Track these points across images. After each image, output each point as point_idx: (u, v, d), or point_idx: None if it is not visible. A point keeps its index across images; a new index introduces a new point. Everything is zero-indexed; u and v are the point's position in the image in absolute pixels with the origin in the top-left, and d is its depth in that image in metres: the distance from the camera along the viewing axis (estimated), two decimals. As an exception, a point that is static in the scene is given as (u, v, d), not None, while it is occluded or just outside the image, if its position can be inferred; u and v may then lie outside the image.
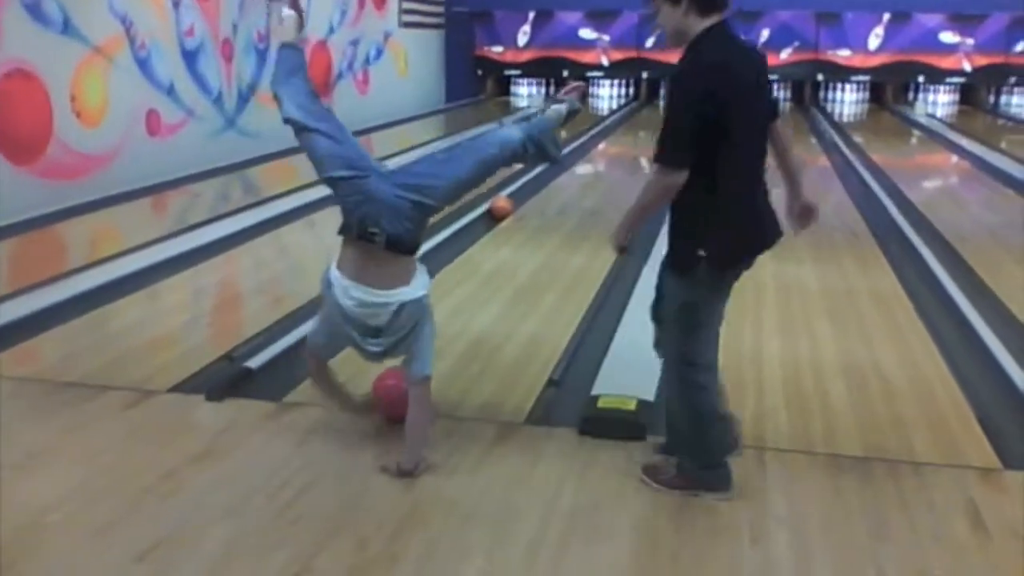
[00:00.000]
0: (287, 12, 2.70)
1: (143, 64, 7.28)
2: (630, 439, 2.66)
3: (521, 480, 2.45)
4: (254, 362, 3.24)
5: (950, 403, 2.97)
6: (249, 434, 2.72)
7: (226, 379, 3.10)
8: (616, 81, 13.92)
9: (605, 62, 13.69)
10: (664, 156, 2.22)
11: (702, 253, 2.28)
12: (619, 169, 8.57)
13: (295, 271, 4.83)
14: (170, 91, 7.61)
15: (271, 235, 5.37)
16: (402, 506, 2.32)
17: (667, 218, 2.36)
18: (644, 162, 8.90)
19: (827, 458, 2.58)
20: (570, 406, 2.92)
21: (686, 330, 2.39)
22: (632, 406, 2.82)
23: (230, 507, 2.32)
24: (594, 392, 2.96)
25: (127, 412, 2.90)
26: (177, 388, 3.08)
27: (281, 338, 3.50)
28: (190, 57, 7.86)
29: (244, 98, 8.75)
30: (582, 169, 8.19)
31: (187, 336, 3.75)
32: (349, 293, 2.37)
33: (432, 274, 4.43)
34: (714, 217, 2.27)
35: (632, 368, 3.21)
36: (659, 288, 2.52)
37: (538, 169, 7.63)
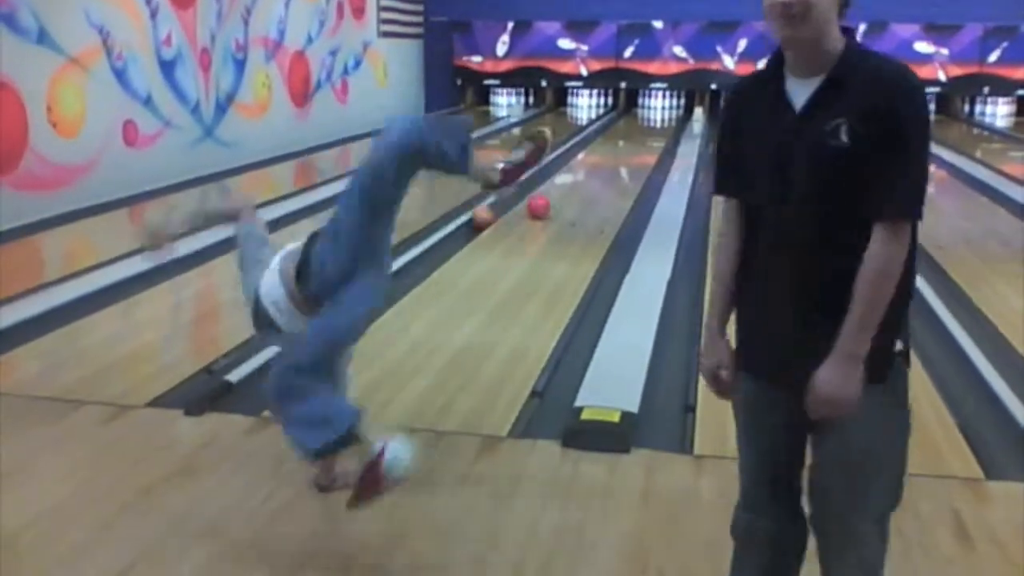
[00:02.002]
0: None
1: (120, 74, 7.23)
2: (614, 451, 2.65)
3: (505, 496, 2.43)
4: (234, 376, 3.21)
5: (933, 413, 2.98)
6: (229, 449, 2.69)
7: (205, 393, 3.06)
8: (594, 91, 13.96)
9: (584, 72, 13.72)
10: (917, 210, 1.53)
11: (900, 347, 1.58)
12: (598, 179, 8.59)
13: (274, 283, 4.79)
14: (147, 101, 7.55)
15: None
16: (385, 523, 2.30)
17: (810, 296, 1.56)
18: (623, 172, 8.93)
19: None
20: (553, 418, 2.90)
21: (894, 478, 1.62)
22: (616, 418, 2.81)
23: (209, 525, 2.29)
24: (577, 404, 2.94)
25: (104, 427, 2.86)
26: (155, 403, 3.04)
27: (261, 351, 3.46)
28: (167, 67, 7.81)
29: (222, 108, 8.70)
30: (561, 179, 8.19)
31: (166, 349, 3.71)
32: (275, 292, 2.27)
33: (413, 285, 4.47)
34: (908, 294, 1.58)
35: (615, 379, 3.21)
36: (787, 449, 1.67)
37: (519, 179, 7.64)
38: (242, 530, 2.26)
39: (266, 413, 2.93)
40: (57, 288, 4.33)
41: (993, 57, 13.05)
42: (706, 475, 2.54)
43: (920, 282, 4.49)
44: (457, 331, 3.80)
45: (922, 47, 13.10)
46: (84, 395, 3.07)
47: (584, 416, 2.82)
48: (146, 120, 7.55)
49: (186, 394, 3.08)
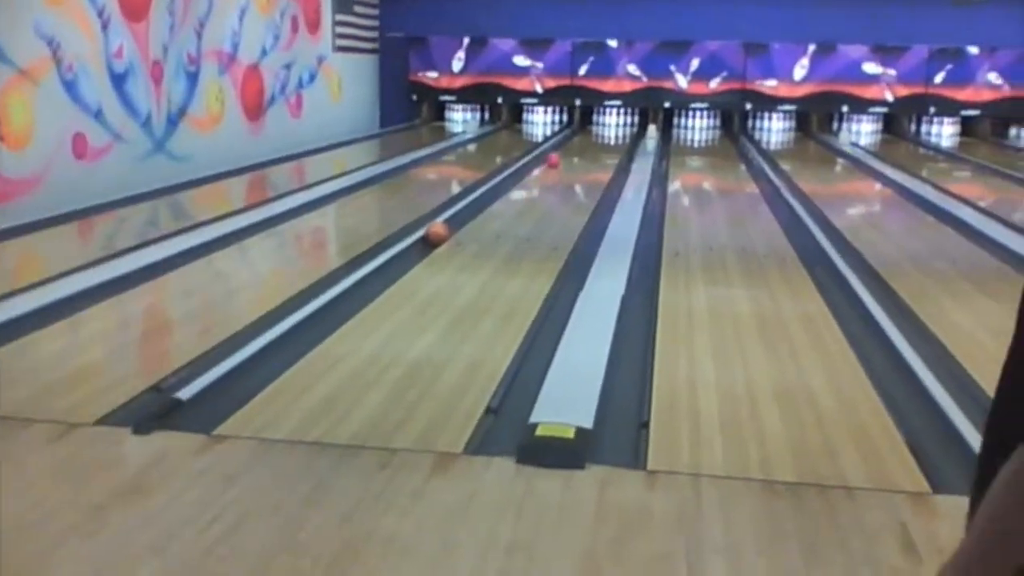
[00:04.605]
0: None
1: (70, 87, 7.12)
2: (569, 467, 2.65)
3: (459, 513, 2.42)
4: (184, 393, 3.16)
5: (879, 428, 3.03)
6: (178, 468, 2.65)
7: (154, 411, 3.02)
8: (550, 108, 14.04)
9: (539, 89, 13.80)
10: None
11: None
12: (552, 195, 8.63)
13: (226, 298, 4.75)
14: (97, 114, 7.45)
15: (201, 261, 5.27)
16: (337, 541, 2.28)
17: None
18: (578, 188, 8.99)
19: (762, 484, 2.61)
20: (509, 434, 2.90)
21: None
22: (570, 434, 2.82)
23: (158, 544, 2.25)
24: (532, 420, 2.95)
25: (52, 446, 2.81)
26: (104, 420, 2.98)
27: (212, 367, 3.43)
28: (118, 80, 7.72)
29: (173, 122, 8.62)
30: (517, 195, 8.22)
31: (115, 366, 3.64)
32: None
33: (368, 301, 4.45)
34: None
35: (570, 395, 3.23)
36: None
37: (474, 195, 7.66)
38: (192, 548, 2.23)
39: (217, 431, 2.90)
40: (3, 304, 4.24)
41: (939, 78, 13.37)
42: (659, 490, 2.56)
43: (867, 299, 4.58)
44: (412, 346, 3.79)
45: (870, 68, 13.38)
46: (32, 413, 3.01)
47: (539, 432, 2.83)
48: (96, 133, 7.45)
49: (135, 412, 3.03)
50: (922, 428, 3.07)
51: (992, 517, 1.07)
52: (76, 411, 3.05)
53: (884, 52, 13.34)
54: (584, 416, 2.98)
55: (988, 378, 3.48)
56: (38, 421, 2.94)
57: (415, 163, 9.95)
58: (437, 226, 5.98)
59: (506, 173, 9.13)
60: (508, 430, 2.94)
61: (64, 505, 2.43)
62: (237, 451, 2.75)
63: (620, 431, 2.99)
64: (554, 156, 10.50)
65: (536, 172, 9.62)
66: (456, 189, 8.48)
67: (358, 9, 13.22)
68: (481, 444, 2.85)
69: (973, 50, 13.24)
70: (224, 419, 2.98)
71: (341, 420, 3.00)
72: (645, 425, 2.99)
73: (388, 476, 2.60)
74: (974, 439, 2.88)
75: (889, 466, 2.75)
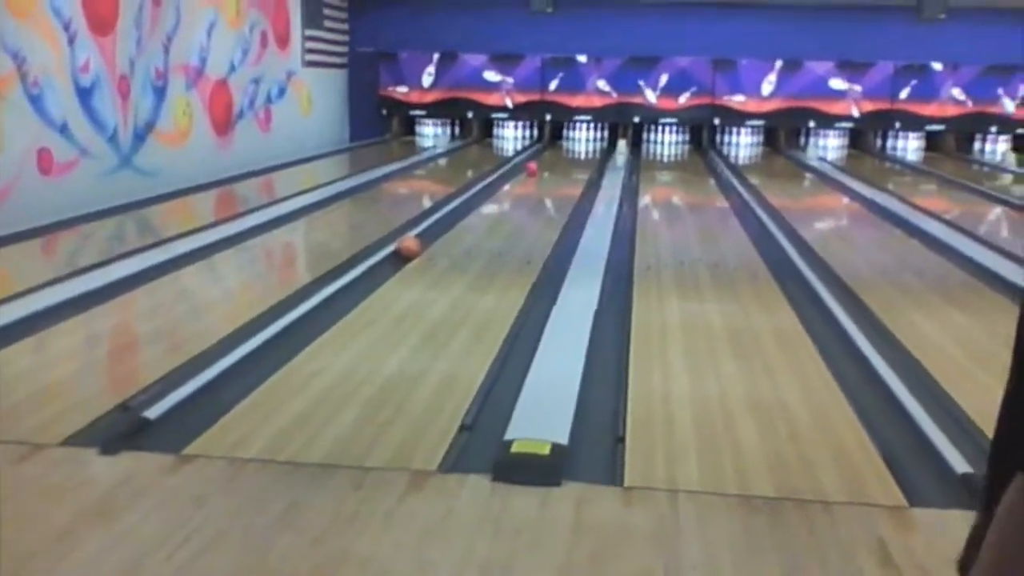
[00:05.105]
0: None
1: (35, 101, 7.03)
2: (545, 484, 2.63)
3: (434, 532, 2.38)
4: (152, 412, 3.10)
5: (854, 441, 3.03)
6: (146, 489, 2.59)
7: (121, 430, 2.95)
8: (520, 123, 14.07)
9: (509, 104, 13.82)
10: None
11: None
12: (523, 209, 8.62)
13: (195, 314, 4.68)
14: (63, 129, 7.36)
15: (169, 277, 5.20)
16: (310, 563, 2.23)
17: None
18: (549, 203, 8.99)
19: (739, 499, 2.60)
20: (484, 451, 2.87)
21: None
22: (546, 450, 2.79)
23: (126, 568, 2.19)
24: (507, 436, 2.92)
25: (16, 467, 2.74)
26: (70, 440, 2.92)
27: (181, 385, 3.37)
28: (84, 94, 7.63)
29: (140, 136, 8.52)
30: (488, 209, 8.21)
31: (81, 384, 3.57)
32: None
33: (339, 317, 4.41)
34: None
35: (545, 410, 3.20)
36: None
37: (445, 209, 7.63)
38: (161, 572, 2.18)
39: (187, 450, 2.84)
40: (-36, 321, 4.15)
41: (904, 94, 13.55)
42: (636, 506, 2.54)
43: (839, 312, 4.60)
44: (385, 362, 3.75)
45: (836, 84, 13.54)
46: (-6, 433, 2.94)
47: (514, 449, 2.80)
48: (61, 148, 7.34)
49: (102, 431, 2.97)
50: (896, 441, 3.07)
51: (995, 545, 1.13)
52: (42, 431, 2.99)
53: (850, 68, 13.50)
54: (559, 432, 2.96)
55: (959, 390, 3.51)
56: (2, 442, 2.87)
57: (385, 178, 9.92)
58: (408, 240, 5.95)
59: (477, 188, 9.12)
60: (483, 447, 2.91)
61: (29, 529, 2.37)
62: (207, 471, 2.70)
63: (596, 447, 2.97)
64: (532, 164, 10.55)
65: (507, 186, 9.62)
66: (427, 203, 8.45)
67: (328, 24, 13.19)
68: (456, 461, 2.82)
69: (937, 66, 13.44)
70: (194, 438, 2.93)
71: (314, 438, 2.96)
72: (621, 440, 2.97)
73: (362, 496, 2.56)
74: (948, 452, 2.90)
75: (865, 480, 2.75)
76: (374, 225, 7.05)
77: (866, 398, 3.47)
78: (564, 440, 2.90)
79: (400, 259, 5.68)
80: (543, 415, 3.14)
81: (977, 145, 13.88)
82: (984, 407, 3.31)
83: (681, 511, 2.53)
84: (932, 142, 13.82)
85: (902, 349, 4.09)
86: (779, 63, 13.52)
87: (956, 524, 2.47)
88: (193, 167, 9.18)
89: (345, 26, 13.87)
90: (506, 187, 9.58)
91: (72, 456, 2.81)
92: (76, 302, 4.53)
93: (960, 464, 2.80)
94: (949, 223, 7.55)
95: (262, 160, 10.42)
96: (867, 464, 2.86)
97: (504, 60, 13.72)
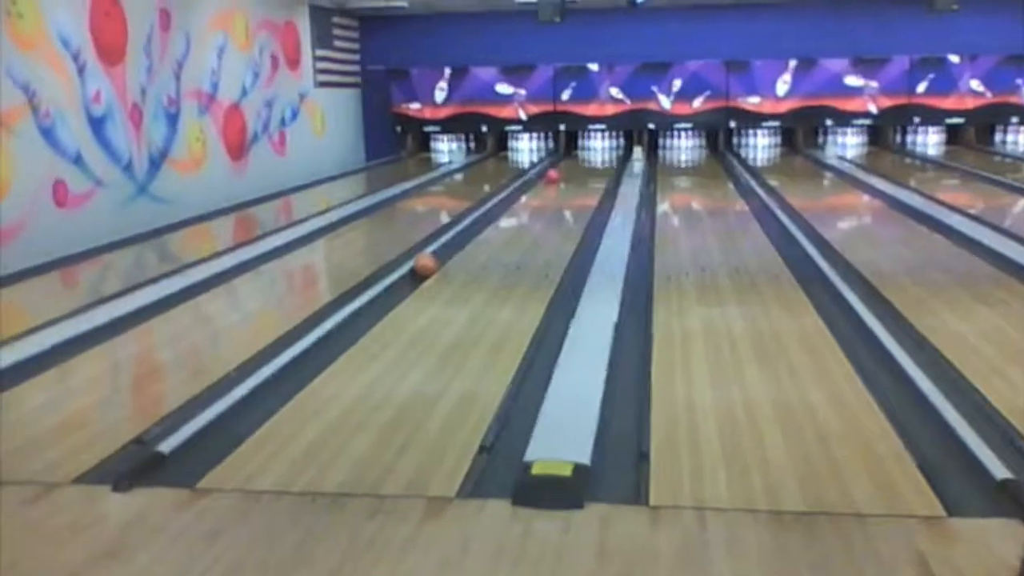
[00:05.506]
0: None
1: (47, 133, 7.05)
2: (567, 507, 2.55)
3: (452, 562, 2.30)
4: (166, 445, 3.05)
5: (886, 448, 2.93)
6: (159, 527, 2.53)
7: (135, 466, 2.90)
8: (534, 134, 14.02)
9: (523, 116, 13.78)
10: None
11: None
12: (540, 222, 8.55)
13: (211, 343, 4.64)
14: (77, 160, 7.37)
15: (185, 305, 5.16)
16: (327, 597, 2.16)
17: None
18: (565, 214, 8.92)
19: (769, 515, 2.50)
20: (504, 473, 2.79)
21: None
22: (567, 471, 2.71)
23: (139, 610, 2.14)
24: (527, 458, 2.84)
25: (27, 508, 2.69)
26: (83, 478, 2.87)
27: (196, 416, 3.32)
28: (97, 124, 7.64)
29: (155, 164, 8.54)
30: (505, 223, 8.15)
31: (97, 418, 3.53)
32: None
33: (355, 339, 4.35)
34: None
35: (565, 428, 3.12)
36: None
37: (462, 224, 7.58)
38: (174, 614, 2.12)
39: (201, 484, 2.78)
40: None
41: (921, 88, 13.38)
42: (663, 526, 2.45)
43: (864, 312, 4.49)
44: (401, 384, 3.69)
45: (852, 81, 13.39)
46: (9, 473, 2.89)
47: (535, 471, 2.72)
48: (76, 179, 7.36)
49: (116, 467, 2.91)
50: (930, 446, 2.97)
51: None
52: (54, 469, 2.94)
53: (865, 64, 13.36)
54: (581, 450, 2.88)
55: (993, 390, 3.40)
56: (13, 483, 2.82)
57: (401, 195, 9.88)
58: (425, 258, 5.89)
59: (494, 201, 9.07)
60: (503, 469, 2.83)
61: (39, 572, 2.31)
62: (221, 505, 2.64)
63: (619, 464, 2.89)
64: (553, 172, 10.51)
65: (524, 199, 9.56)
66: (444, 219, 8.40)
67: (338, 43, 13.21)
68: (475, 486, 2.74)
69: (954, 58, 13.27)
70: (208, 470, 2.87)
71: (329, 467, 2.89)
72: (645, 456, 2.89)
73: (378, 525, 2.49)
74: (985, 456, 2.79)
75: (900, 489, 2.64)
76: (390, 244, 7.00)
77: (896, 401, 3.36)
78: (586, 459, 2.82)
79: (417, 277, 5.63)
80: (564, 434, 3.06)
81: (998, 136, 13.67)
82: (1020, 406, 3.20)
83: (710, 530, 2.43)
84: (952, 135, 13.64)
85: (932, 348, 3.97)
86: (793, 62, 13.40)
87: (998, 534, 2.37)
88: (209, 193, 9.18)
89: (356, 45, 13.89)
90: (523, 199, 9.52)
91: (84, 495, 2.76)
92: (91, 336, 4.49)
93: (999, 469, 2.69)
94: (974, 217, 7.41)
95: (278, 183, 10.41)
96: (901, 472, 2.75)
97: (515, 72, 13.69)
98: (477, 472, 2.84)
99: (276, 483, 2.78)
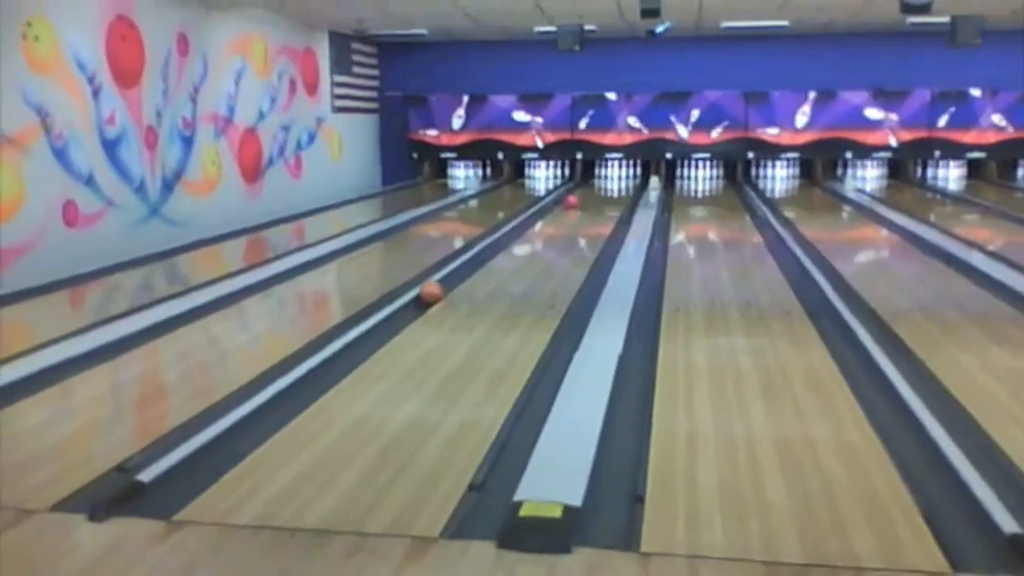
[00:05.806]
0: None
1: (60, 154, 7.06)
2: (554, 551, 2.45)
3: (430, 606, 2.22)
4: (147, 473, 2.97)
5: (891, 496, 2.81)
6: (133, 559, 2.46)
7: (114, 494, 2.82)
8: (551, 162, 13.99)
9: (539, 144, 13.76)
10: None
11: None
12: (552, 250, 8.48)
13: (215, 365, 4.57)
14: (89, 180, 7.38)
15: (193, 326, 5.10)
16: (297, 642, 2.07)
17: None
18: (578, 242, 8.84)
19: (764, 566, 2.39)
20: (492, 513, 2.70)
21: None
22: (557, 513, 2.61)
23: (101, 650, 2.05)
24: (517, 497, 2.75)
25: (3, 536, 2.62)
26: (60, 506, 2.80)
27: (181, 444, 3.24)
28: (110, 146, 7.65)
29: (169, 186, 8.54)
30: (517, 250, 8.08)
31: (85, 443, 3.46)
32: None
33: (355, 366, 4.27)
34: None
35: (559, 468, 3.02)
36: None
37: (474, 250, 7.51)
38: (137, 656, 2.03)
39: (179, 515, 2.70)
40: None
41: (942, 121, 13.26)
42: (652, 575, 2.35)
43: (875, 351, 4.38)
44: (395, 415, 3.60)
45: (872, 113, 13.29)
46: (-15, 500, 2.83)
47: (523, 512, 2.62)
48: (87, 200, 7.36)
49: (94, 495, 2.84)
50: (937, 496, 2.85)
51: None
52: (33, 496, 2.87)
53: (886, 97, 13.26)
54: (574, 491, 2.78)
55: (1005, 437, 3.28)
56: (-10, 509, 2.76)
57: (416, 220, 9.84)
58: (431, 285, 5.83)
59: (506, 228, 9.01)
60: (492, 508, 2.74)
61: (4, 606, 2.24)
62: (196, 539, 2.55)
63: (612, 507, 2.78)
64: (572, 197, 10.45)
65: (537, 226, 9.49)
66: (457, 245, 8.34)
67: (357, 70, 13.25)
68: (461, 525, 2.64)
69: (975, 92, 13.15)
70: (189, 501, 2.79)
71: (313, 501, 2.81)
72: (639, 499, 2.79)
73: (357, 565, 2.40)
74: (994, 508, 2.67)
75: (903, 541, 2.52)
76: (401, 269, 6.94)
77: (904, 446, 3.24)
78: (578, 501, 2.72)
79: (422, 304, 5.56)
80: (557, 472, 2.96)
81: (1020, 172, 13.52)
82: (1033, 456, 3.08)
83: (702, 579, 2.33)
84: (973, 170, 13.50)
85: (942, 390, 3.85)
86: (812, 94, 13.33)
87: (1004, 593, 2.25)
88: (223, 215, 9.18)
89: (375, 71, 13.94)
90: (536, 227, 9.45)
91: (59, 523, 2.69)
92: (94, 354, 4.44)
93: (1008, 523, 2.57)
94: (992, 254, 7.27)
95: (293, 207, 10.40)
96: (905, 523, 2.63)
97: (533, 100, 13.68)
98: (464, 511, 2.74)
99: (256, 516, 2.69)
